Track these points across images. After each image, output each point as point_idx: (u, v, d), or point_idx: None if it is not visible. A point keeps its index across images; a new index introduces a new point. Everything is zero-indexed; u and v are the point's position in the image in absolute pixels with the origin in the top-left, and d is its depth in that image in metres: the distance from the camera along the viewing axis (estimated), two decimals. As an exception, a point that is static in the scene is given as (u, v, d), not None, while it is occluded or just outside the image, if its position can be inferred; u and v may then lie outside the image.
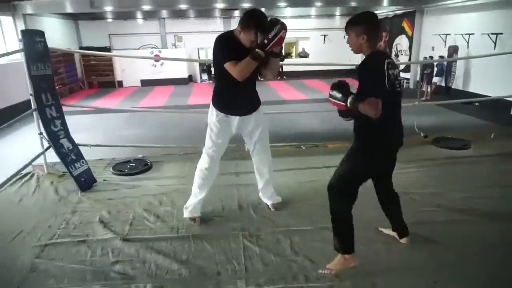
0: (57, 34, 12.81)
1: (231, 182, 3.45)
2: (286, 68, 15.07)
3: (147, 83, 14.22)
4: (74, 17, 13.89)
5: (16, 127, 7.49)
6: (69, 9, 10.65)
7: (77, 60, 13.99)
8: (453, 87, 9.62)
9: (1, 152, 6.04)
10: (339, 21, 15.31)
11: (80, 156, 3.39)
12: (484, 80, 8.55)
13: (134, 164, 3.84)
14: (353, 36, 2.02)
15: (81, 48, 14.23)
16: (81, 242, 2.52)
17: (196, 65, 15.36)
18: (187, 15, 14.48)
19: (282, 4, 11.21)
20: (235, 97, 2.54)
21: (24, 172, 3.72)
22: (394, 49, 12.81)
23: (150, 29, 14.77)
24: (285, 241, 2.48)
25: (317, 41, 15.70)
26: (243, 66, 2.30)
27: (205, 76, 15.81)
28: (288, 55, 16.57)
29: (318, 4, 11.18)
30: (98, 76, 14.41)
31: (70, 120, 3.61)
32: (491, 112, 7.71)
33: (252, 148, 2.76)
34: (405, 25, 11.80)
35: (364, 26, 1.98)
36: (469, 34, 8.87)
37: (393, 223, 2.42)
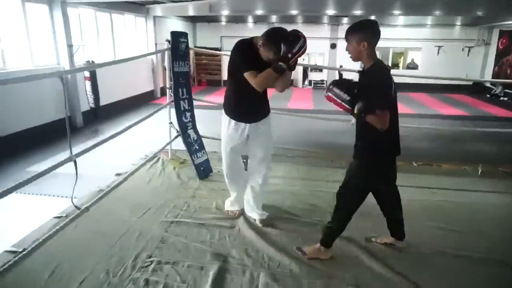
0: (178, 35, 14.20)
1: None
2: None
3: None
4: (192, 20, 15.23)
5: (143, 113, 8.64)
6: (191, 12, 11.73)
7: (191, 58, 15.32)
8: None
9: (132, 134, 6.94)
10: (458, 32, 14.06)
11: (202, 147, 3.75)
12: None
13: (245, 161, 4.08)
14: (353, 43, 2.03)
15: (195, 47, 15.53)
16: (201, 224, 2.80)
17: (299, 70, 15.56)
18: (295, 21, 14.77)
19: (397, 12, 10.73)
20: (248, 104, 2.54)
21: (150, 155, 4.26)
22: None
23: (259, 32, 15.29)
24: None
25: (429, 52, 14.64)
26: (264, 77, 2.30)
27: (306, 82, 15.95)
28: (396, 65, 15.73)
29: (437, 12, 10.43)
30: (207, 74, 15.58)
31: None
32: None
33: (252, 154, 2.74)
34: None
35: (365, 33, 2.01)
36: None
37: (395, 226, 2.46)
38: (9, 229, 3.34)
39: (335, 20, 14.13)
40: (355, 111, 1.91)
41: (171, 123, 3.86)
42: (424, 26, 14.22)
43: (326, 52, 15.24)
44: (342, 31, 14.92)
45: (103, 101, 8.37)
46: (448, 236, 2.71)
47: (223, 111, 2.66)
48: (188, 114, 3.68)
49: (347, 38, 2.08)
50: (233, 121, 2.59)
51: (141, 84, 11.77)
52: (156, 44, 12.07)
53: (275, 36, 2.27)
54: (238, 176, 2.86)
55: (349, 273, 2.25)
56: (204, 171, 3.65)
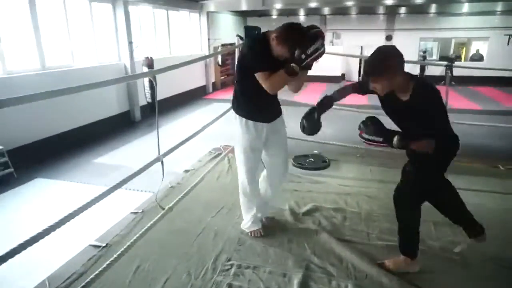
0: (230, 29, 14.28)
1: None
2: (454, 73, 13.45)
3: (300, 79, 14.62)
4: (244, 14, 15.21)
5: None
6: (244, 7, 11.69)
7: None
8: None
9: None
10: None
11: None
12: None
13: (312, 160, 3.96)
14: (384, 81, 1.85)
15: (245, 42, 15.57)
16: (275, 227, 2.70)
17: (352, 63, 15.04)
18: (349, 12, 14.26)
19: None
20: (263, 102, 2.32)
21: (215, 152, 4.25)
22: None
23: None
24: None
25: (498, 42, 13.47)
26: (276, 80, 2.12)
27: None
28: (458, 57, 14.66)
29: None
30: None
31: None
32: None
33: (270, 156, 2.49)
34: None
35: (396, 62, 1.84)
36: None
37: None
38: (87, 222, 3.48)
39: (392, 10, 13.41)
40: (394, 146, 1.84)
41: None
42: (492, 14, 13.10)
43: (381, 44, 14.56)
44: (399, 21, 14.18)
45: (159, 96, 8.60)
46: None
47: (233, 112, 2.41)
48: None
49: (376, 79, 1.87)
50: (250, 122, 2.33)
51: (194, 80, 11.97)
52: (209, 39, 12.20)
53: (290, 33, 2.07)
54: (257, 184, 2.60)
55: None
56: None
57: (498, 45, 13.46)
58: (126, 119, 8.36)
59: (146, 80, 8.27)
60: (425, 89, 1.89)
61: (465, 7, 12.42)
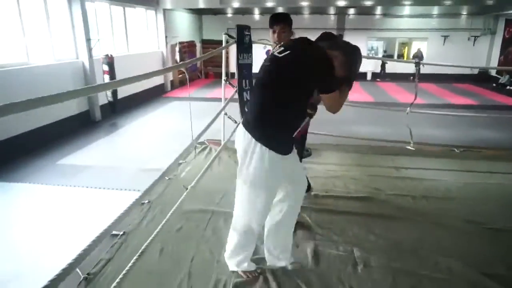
0: (185, 27, 14.22)
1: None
2: (391, 70, 14.61)
3: (257, 76, 14.96)
4: (199, 12, 15.20)
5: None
6: (201, 5, 11.74)
7: (198, 51, 15.32)
8: None
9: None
10: (464, 21, 14.25)
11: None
12: None
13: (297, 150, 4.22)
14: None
15: (202, 40, 15.56)
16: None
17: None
18: (302, 12, 14.83)
19: (407, 2, 10.85)
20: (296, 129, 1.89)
21: (199, 145, 4.37)
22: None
23: (265, 24, 15.41)
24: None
25: (436, 42, 14.84)
26: (344, 99, 1.84)
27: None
28: (401, 56, 15.92)
29: (448, 2, 10.57)
30: (214, 67, 15.59)
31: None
32: None
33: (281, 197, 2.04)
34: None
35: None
36: None
37: None
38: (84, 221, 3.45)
39: (341, 11, 14.21)
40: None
41: (226, 113, 3.96)
42: (430, 16, 14.39)
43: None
44: (348, 21, 15.05)
45: (118, 95, 8.44)
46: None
47: (254, 141, 1.79)
48: (248, 104, 3.79)
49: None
50: (278, 156, 1.80)
51: (153, 78, 11.74)
52: (166, 37, 12.08)
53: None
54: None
55: None
56: (262, 158, 3.77)
57: (436, 45, 14.82)
58: (86, 119, 8.06)
59: (106, 79, 8.06)
60: None
61: (407, 10, 13.53)
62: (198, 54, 15.33)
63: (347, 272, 2.17)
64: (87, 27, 8.00)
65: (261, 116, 1.81)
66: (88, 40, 8.05)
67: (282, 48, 1.80)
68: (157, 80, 12.18)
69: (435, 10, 13.63)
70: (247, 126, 1.83)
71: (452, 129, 6.98)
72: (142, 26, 11.10)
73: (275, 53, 1.81)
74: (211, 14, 15.29)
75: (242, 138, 1.84)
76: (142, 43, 11.02)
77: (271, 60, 1.83)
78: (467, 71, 14.37)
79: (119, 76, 8.27)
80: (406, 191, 3.25)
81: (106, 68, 8.07)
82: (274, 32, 2.70)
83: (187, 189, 2.48)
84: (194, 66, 14.90)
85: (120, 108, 8.76)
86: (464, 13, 13.98)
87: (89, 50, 8.12)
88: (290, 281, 2.09)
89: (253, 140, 1.78)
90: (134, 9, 10.54)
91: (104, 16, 9.13)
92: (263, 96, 1.83)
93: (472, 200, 3.11)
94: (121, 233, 2.49)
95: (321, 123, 3.69)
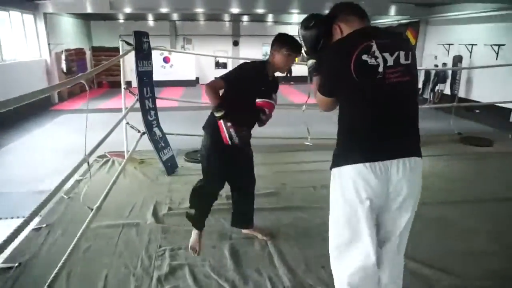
0: (72, 33, 13.10)
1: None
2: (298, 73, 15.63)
3: (156, 84, 14.42)
4: (87, 17, 14.14)
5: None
6: (89, 9, 10.93)
7: (88, 59, 14.23)
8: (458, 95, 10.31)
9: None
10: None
11: (167, 144, 3.80)
12: (485, 89, 9.23)
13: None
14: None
15: (92, 47, 14.49)
16: (192, 213, 2.93)
17: (205, 67, 15.67)
18: (197, 18, 14.90)
19: (295, 11, 11.74)
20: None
21: (100, 159, 4.11)
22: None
23: (160, 31, 15.11)
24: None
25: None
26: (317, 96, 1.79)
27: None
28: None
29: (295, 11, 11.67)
30: (108, 76, 14.63)
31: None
32: (491, 119, 8.32)
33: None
34: (409, 34, 12.50)
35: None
36: (472, 45, 9.57)
37: None
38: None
39: (236, 18, 14.69)
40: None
41: (128, 123, 3.80)
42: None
43: (230, 50, 15.74)
44: (243, 28, 15.63)
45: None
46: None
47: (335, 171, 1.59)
48: (152, 112, 3.70)
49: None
50: (359, 165, 1.47)
51: (35, 89, 10.54)
52: (49, 44, 10.95)
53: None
54: None
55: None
56: (171, 166, 3.72)
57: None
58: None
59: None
60: None
61: (295, 18, 14.63)
62: (88, 62, 14.26)
63: (264, 264, 2.30)
64: None
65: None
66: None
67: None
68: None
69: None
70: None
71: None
72: (19, 32, 9.87)
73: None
74: (100, 19, 14.36)
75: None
76: (21, 50, 9.80)
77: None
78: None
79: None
80: (308, 183, 3.56)
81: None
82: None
83: (92, 209, 2.32)
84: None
85: (-1, 125, 7.66)
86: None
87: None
88: (210, 279, 2.13)
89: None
90: (7, 12, 9.32)
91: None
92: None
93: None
94: (16, 264, 2.22)
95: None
